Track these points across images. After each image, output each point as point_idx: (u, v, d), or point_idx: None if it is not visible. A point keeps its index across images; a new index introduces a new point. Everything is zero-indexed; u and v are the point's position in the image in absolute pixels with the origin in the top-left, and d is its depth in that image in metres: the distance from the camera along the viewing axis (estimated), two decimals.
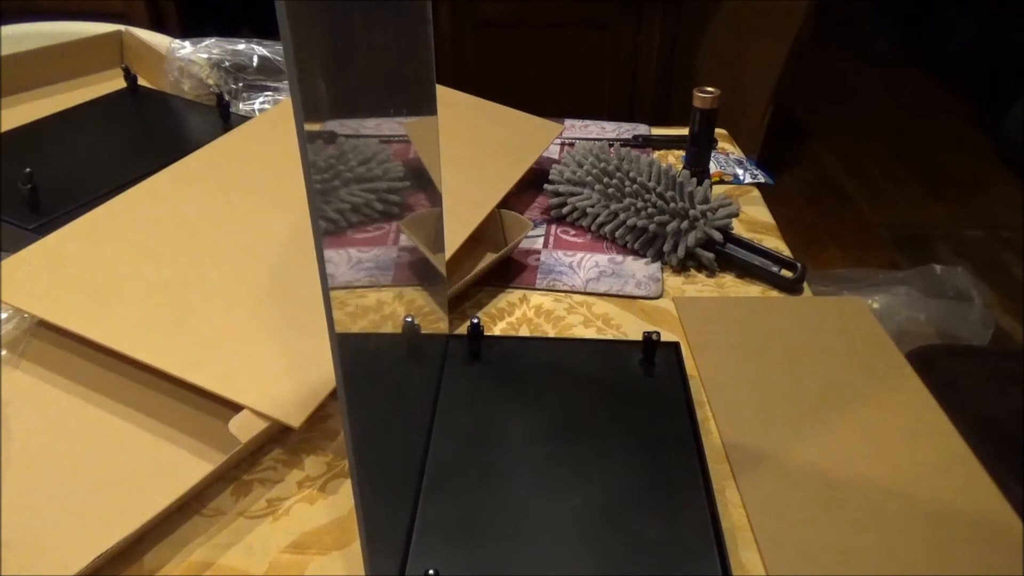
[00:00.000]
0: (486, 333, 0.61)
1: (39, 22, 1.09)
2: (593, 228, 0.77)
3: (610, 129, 1.00)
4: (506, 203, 0.73)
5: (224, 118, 0.89)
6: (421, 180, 0.53)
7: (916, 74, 3.20)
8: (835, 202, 2.35)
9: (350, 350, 0.35)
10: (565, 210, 0.78)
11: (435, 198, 0.57)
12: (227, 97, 0.92)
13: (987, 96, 2.79)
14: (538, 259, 0.74)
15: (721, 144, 0.97)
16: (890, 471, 0.51)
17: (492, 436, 0.52)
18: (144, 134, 0.87)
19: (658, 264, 0.73)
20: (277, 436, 0.54)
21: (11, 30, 1.06)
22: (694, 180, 0.73)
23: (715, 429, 0.55)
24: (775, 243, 0.76)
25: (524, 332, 0.64)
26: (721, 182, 0.88)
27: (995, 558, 0.45)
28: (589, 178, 0.77)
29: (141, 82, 0.97)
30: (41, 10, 1.19)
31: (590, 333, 0.65)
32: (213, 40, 0.98)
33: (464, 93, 0.87)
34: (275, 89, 0.98)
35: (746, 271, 0.72)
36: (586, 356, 0.59)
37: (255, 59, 0.97)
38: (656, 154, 0.94)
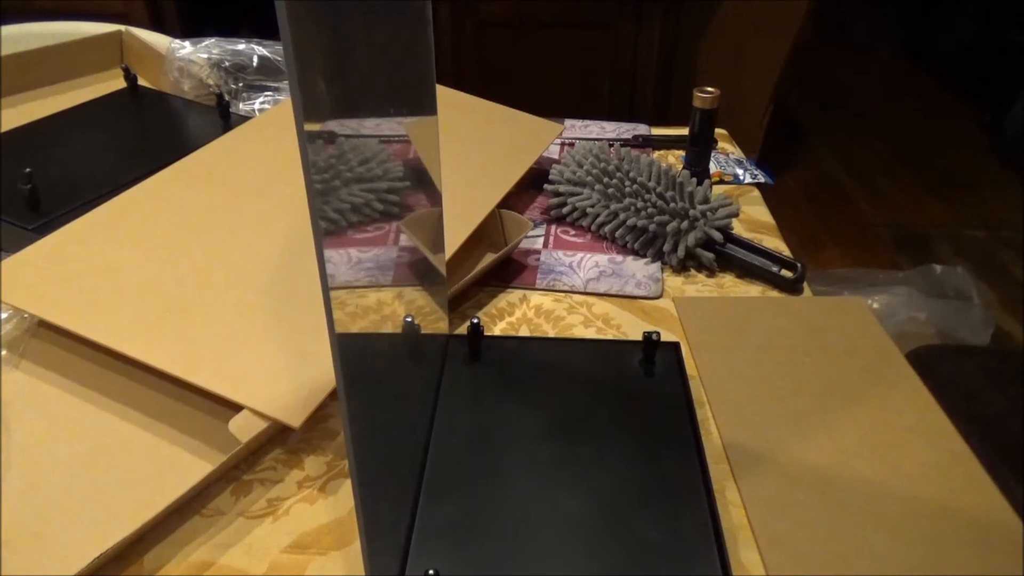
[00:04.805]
0: (486, 333, 0.61)
1: (39, 22, 1.09)
2: (593, 228, 0.77)
3: (610, 129, 1.00)
4: (506, 203, 0.73)
5: (224, 118, 0.89)
6: (421, 180, 0.53)
7: (916, 74, 3.20)
8: (835, 202, 2.35)
9: (350, 350, 0.35)
10: (565, 210, 0.78)
11: (435, 198, 0.57)
12: (227, 97, 0.92)
13: (987, 96, 2.78)
14: (538, 259, 0.74)
15: (721, 144, 0.97)
16: (890, 471, 0.51)
17: (492, 436, 0.52)
18: (144, 134, 0.87)
19: (658, 264, 0.73)
20: (277, 436, 0.54)
21: (11, 30, 1.06)
22: (694, 180, 0.73)
23: (715, 429, 0.55)
24: (775, 243, 0.76)
25: (524, 332, 0.64)
26: (721, 182, 0.88)
27: (995, 558, 0.45)
28: (589, 178, 0.77)
29: (141, 82, 0.97)
30: (41, 10, 1.19)
31: (590, 333, 0.65)
32: (213, 40, 0.98)
33: (464, 93, 0.87)
34: (275, 89, 0.98)
35: (746, 271, 0.72)
36: (586, 356, 0.59)
37: (255, 59, 0.97)
38: (656, 154, 0.94)
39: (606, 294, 0.69)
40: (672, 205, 0.71)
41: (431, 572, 0.41)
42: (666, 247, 0.72)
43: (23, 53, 0.97)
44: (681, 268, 0.73)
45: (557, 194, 0.79)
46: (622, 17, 1.81)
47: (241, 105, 0.95)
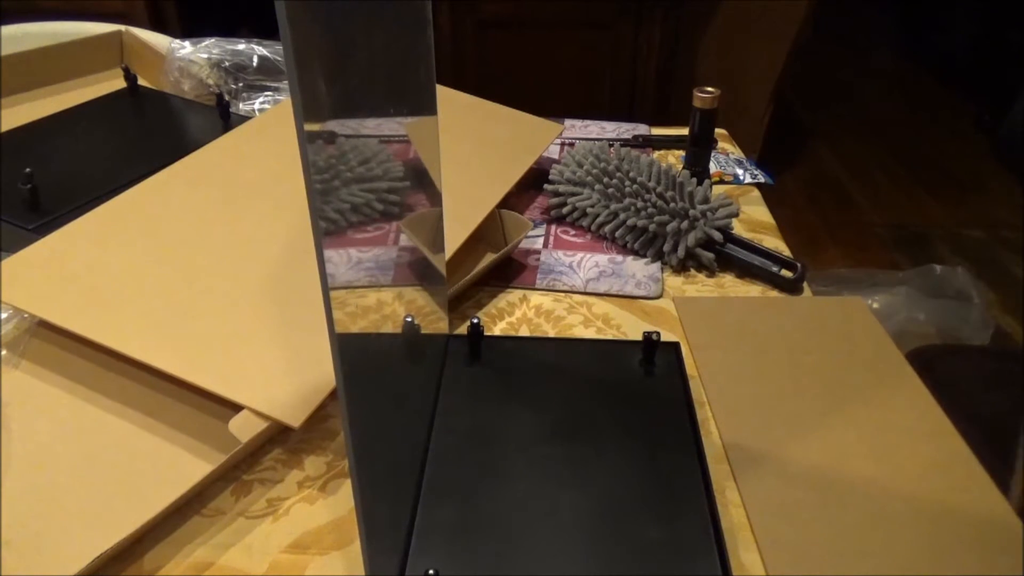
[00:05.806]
0: (486, 333, 0.61)
1: (39, 22, 1.09)
2: (593, 228, 0.77)
3: (610, 129, 1.00)
4: (506, 203, 0.73)
5: (224, 118, 0.89)
6: (421, 180, 0.53)
7: (916, 74, 3.20)
8: (835, 202, 2.34)
9: (350, 350, 0.35)
10: (565, 210, 0.78)
11: (435, 198, 0.57)
12: (227, 97, 0.92)
13: (987, 96, 2.78)
14: (538, 259, 0.74)
15: (721, 144, 0.97)
16: (890, 471, 0.51)
17: (492, 436, 0.52)
18: (144, 134, 0.87)
19: (658, 264, 0.73)
20: (277, 436, 0.54)
21: (11, 30, 1.06)
22: (694, 180, 0.73)
23: (715, 429, 0.55)
24: (775, 243, 0.76)
25: (524, 332, 0.64)
26: (721, 182, 0.88)
27: (995, 558, 0.45)
28: (589, 178, 0.77)
29: (141, 82, 0.97)
30: (41, 10, 1.19)
31: (590, 333, 0.65)
32: (213, 40, 0.98)
33: (464, 93, 0.87)
34: (275, 89, 0.98)
35: (746, 271, 0.72)
36: (586, 356, 0.59)
37: (255, 59, 0.97)
38: (656, 154, 0.94)
39: (606, 294, 0.69)
40: (672, 205, 0.71)
41: (431, 572, 0.41)
42: (666, 247, 0.72)
43: (23, 53, 0.97)
44: (681, 268, 0.73)
45: (557, 194, 0.79)
46: (622, 17, 1.81)
47: (241, 105, 0.95)
